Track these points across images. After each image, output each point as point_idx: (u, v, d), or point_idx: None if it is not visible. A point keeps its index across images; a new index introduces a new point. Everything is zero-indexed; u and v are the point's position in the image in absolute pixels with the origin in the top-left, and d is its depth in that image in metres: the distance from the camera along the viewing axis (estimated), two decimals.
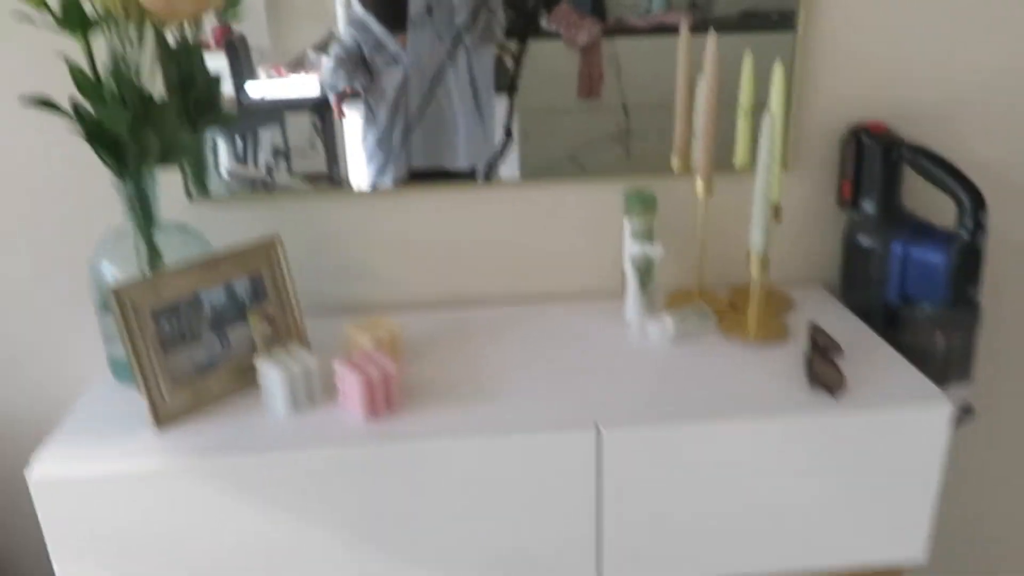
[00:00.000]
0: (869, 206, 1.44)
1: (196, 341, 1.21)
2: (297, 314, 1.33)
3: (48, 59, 1.24)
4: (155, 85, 1.23)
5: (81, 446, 1.15)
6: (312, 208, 1.48)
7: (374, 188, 1.48)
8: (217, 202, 1.46)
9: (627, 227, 1.42)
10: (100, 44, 1.15)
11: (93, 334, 1.50)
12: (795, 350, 1.33)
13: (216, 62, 1.38)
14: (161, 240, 1.26)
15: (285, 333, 1.31)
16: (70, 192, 1.43)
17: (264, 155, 1.47)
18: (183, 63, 1.42)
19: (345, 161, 1.46)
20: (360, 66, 1.40)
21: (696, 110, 1.44)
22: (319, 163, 1.46)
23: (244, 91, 1.41)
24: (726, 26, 1.36)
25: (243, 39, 1.38)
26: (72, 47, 1.15)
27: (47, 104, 1.15)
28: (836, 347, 1.29)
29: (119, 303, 1.12)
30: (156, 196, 1.25)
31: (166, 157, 1.22)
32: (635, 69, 1.43)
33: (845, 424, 1.16)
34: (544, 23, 1.37)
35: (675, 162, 1.51)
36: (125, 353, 1.14)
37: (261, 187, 1.46)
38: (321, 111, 1.44)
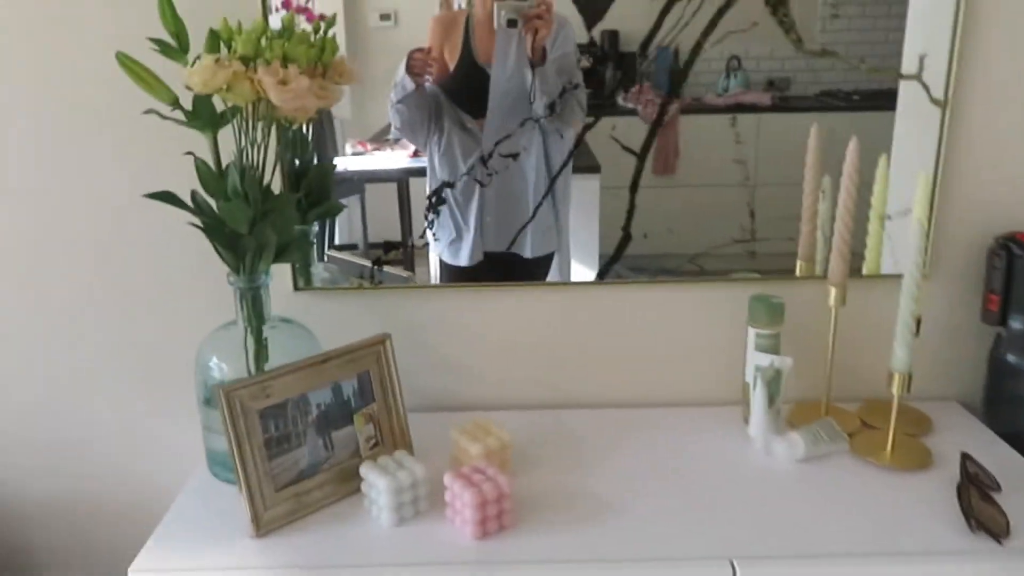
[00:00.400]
0: (1019, 322, 1.33)
1: (301, 444, 1.16)
2: (402, 416, 1.27)
3: (166, 149, 1.24)
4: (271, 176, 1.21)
5: (180, 550, 1.10)
6: (411, 298, 1.45)
7: (446, 266, 1.44)
8: (319, 292, 1.43)
9: (751, 335, 1.33)
10: (224, 136, 1.14)
11: (193, 424, 1.47)
12: (939, 478, 1.21)
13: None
14: (268, 334, 1.23)
15: (390, 436, 1.25)
16: (182, 283, 1.43)
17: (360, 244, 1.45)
18: (299, 153, 1.43)
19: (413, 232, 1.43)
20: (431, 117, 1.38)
21: (817, 209, 1.37)
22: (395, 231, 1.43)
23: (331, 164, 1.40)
24: (803, 106, 1.33)
25: (328, 112, 1.37)
26: (192, 139, 1.14)
27: (170, 199, 1.14)
28: (993, 482, 1.16)
29: (228, 404, 1.08)
30: (268, 293, 1.22)
31: (283, 254, 1.20)
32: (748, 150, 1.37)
33: (1015, 573, 1.03)
34: (621, 100, 1.35)
35: (800, 265, 1.43)
36: (229, 456, 1.09)
37: (362, 275, 1.43)
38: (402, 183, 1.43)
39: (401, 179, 1.42)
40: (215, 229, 1.16)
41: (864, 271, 1.43)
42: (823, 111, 1.33)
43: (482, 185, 1.39)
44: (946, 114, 1.33)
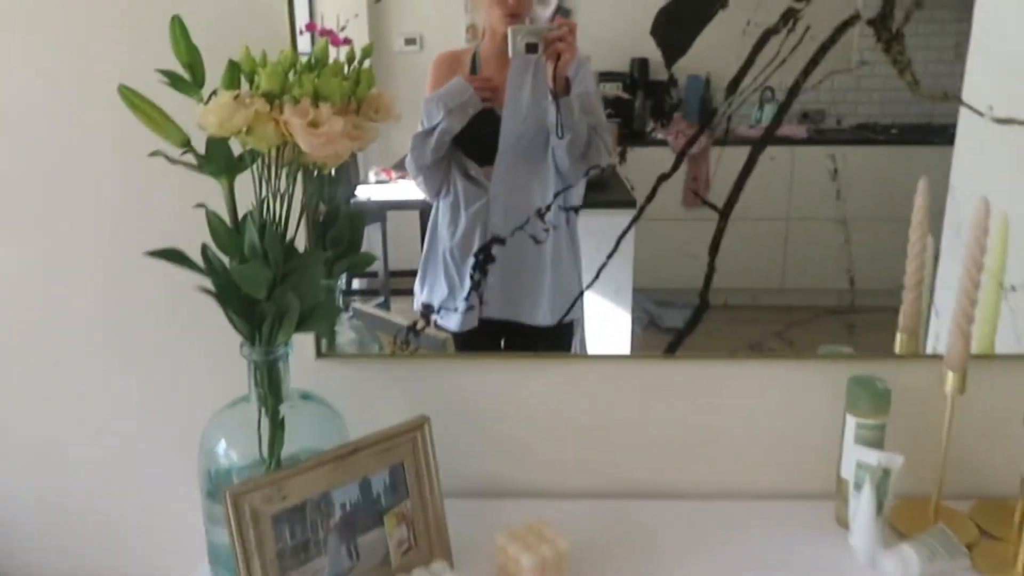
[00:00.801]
0: None
1: (321, 553, 0.97)
2: (441, 513, 1.08)
3: (177, 194, 1.06)
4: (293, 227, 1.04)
5: None
6: (451, 368, 1.26)
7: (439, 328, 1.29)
8: (345, 360, 1.25)
9: (850, 425, 1.14)
10: (242, 184, 0.97)
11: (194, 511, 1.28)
12: None
13: None
14: (287, 413, 1.04)
15: (425, 539, 1.06)
16: (186, 349, 1.26)
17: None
18: (327, 200, 1.26)
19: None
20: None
21: (918, 277, 1.18)
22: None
23: (352, 193, 1.31)
24: (839, 139, 1.23)
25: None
26: (205, 186, 0.96)
27: (176, 257, 0.97)
28: None
29: (235, 510, 0.90)
30: (288, 364, 1.04)
31: (306, 321, 1.02)
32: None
33: None
34: (650, 130, 1.25)
35: (901, 340, 1.23)
36: (235, 571, 0.91)
37: (396, 338, 1.25)
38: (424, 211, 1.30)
39: (424, 207, 1.32)
40: (228, 292, 0.99)
41: (973, 348, 1.23)
42: (860, 144, 1.23)
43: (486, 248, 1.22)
44: None
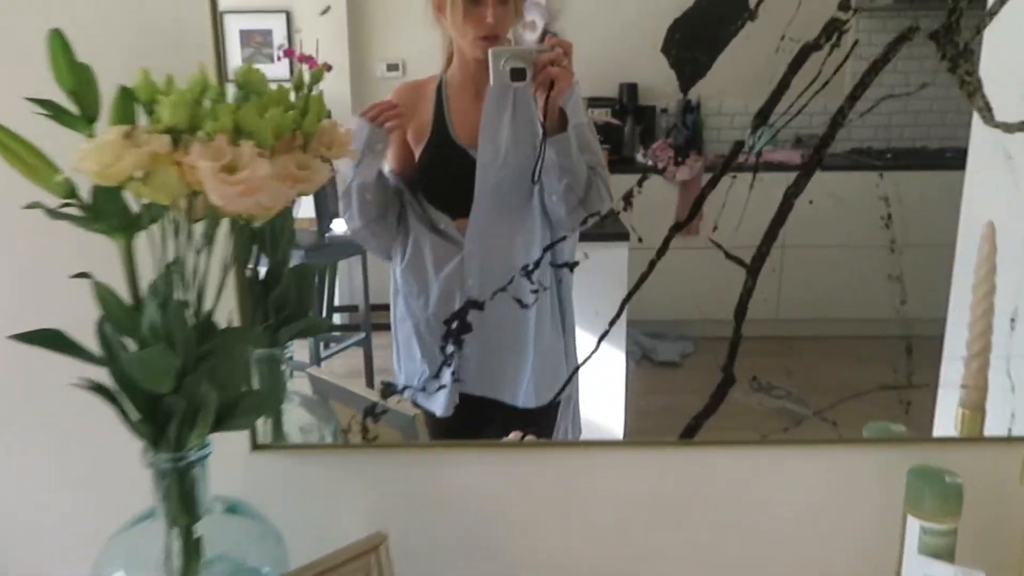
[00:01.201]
0: None
1: None
2: None
3: (64, 255, 0.84)
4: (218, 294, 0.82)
5: None
6: (418, 460, 1.04)
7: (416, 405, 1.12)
8: (288, 452, 1.02)
9: (912, 529, 0.92)
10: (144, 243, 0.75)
11: None
12: None
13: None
14: (205, 528, 0.82)
15: None
16: (82, 457, 1.02)
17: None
18: (268, 252, 1.06)
19: None
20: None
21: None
22: None
23: (328, 225, 1.19)
24: (833, 164, 1.09)
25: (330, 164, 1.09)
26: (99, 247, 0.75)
27: (55, 341, 0.74)
28: None
29: None
30: (205, 474, 0.81)
31: (228, 418, 0.79)
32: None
33: None
34: (640, 157, 1.14)
35: (962, 416, 1.03)
36: None
37: (359, 424, 1.04)
38: None
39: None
40: (128, 384, 0.76)
41: None
42: (855, 170, 1.11)
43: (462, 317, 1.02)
44: None
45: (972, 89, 0.89)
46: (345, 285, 1.27)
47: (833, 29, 0.88)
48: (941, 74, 0.92)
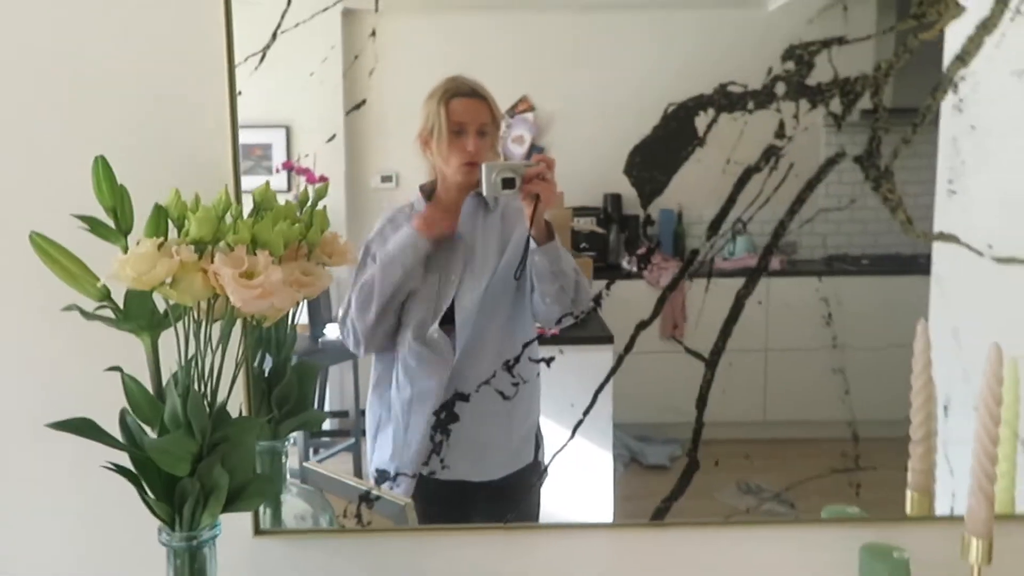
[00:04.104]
0: None
1: None
2: None
3: (94, 349, 0.93)
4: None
5: None
6: (412, 543, 1.10)
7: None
8: (289, 537, 1.09)
9: None
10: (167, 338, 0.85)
11: None
12: None
13: None
14: None
15: None
16: (102, 536, 1.09)
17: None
18: (273, 352, 1.14)
19: None
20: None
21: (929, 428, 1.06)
22: None
23: (321, 331, 1.24)
24: (811, 270, 1.20)
25: None
26: (122, 344, 0.84)
27: (86, 429, 0.83)
28: None
29: None
30: (214, 554, 0.88)
31: (237, 500, 0.87)
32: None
33: None
34: (625, 264, 1.21)
35: (913, 498, 1.11)
36: None
37: (353, 510, 1.10)
38: None
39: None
40: (148, 468, 0.84)
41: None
42: (833, 275, 1.18)
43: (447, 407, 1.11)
44: None
45: (893, 205, 1.03)
46: (336, 391, 1.30)
47: (771, 154, 1.02)
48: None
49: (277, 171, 1.16)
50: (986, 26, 0.99)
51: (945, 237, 1.05)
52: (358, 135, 1.15)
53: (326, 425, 1.33)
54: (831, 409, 1.17)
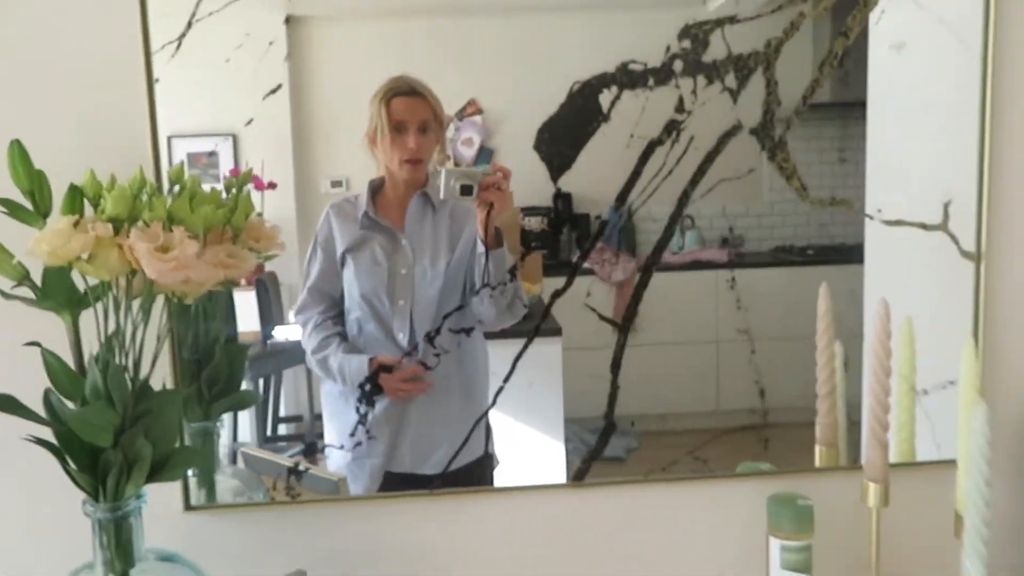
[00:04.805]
0: None
1: None
2: None
3: (17, 327, 0.94)
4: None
5: None
6: (342, 514, 1.14)
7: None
8: (218, 512, 1.11)
9: (774, 548, 1.05)
10: (89, 317, 0.87)
11: None
12: None
13: (245, 300, 1.21)
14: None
15: None
16: (27, 512, 1.10)
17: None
18: (200, 335, 1.16)
19: None
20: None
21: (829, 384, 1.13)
22: None
23: (271, 333, 1.25)
24: (759, 262, 1.26)
25: (274, 277, 1.23)
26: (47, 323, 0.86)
27: (8, 405, 0.85)
28: None
29: None
30: (140, 524, 0.91)
31: (161, 470, 0.90)
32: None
33: None
34: (575, 259, 1.23)
35: (820, 453, 1.17)
36: None
37: (283, 484, 1.13)
38: None
39: None
40: (72, 442, 0.87)
41: (893, 457, 1.17)
42: (779, 266, 1.25)
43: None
44: (981, 268, 1.12)
45: (788, 173, 1.09)
46: (291, 395, 1.31)
47: (672, 127, 1.08)
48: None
49: (224, 178, 1.15)
50: (867, 3, 1.06)
51: (838, 202, 1.11)
52: (306, 141, 1.18)
53: (281, 430, 1.33)
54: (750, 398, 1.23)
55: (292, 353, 1.24)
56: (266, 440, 1.32)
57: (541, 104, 1.14)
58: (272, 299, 1.24)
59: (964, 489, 0.98)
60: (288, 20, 1.12)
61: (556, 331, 1.19)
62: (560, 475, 1.20)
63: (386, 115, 1.12)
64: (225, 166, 1.17)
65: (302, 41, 1.13)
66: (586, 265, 1.22)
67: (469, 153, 1.20)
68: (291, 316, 1.22)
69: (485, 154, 1.20)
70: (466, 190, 1.09)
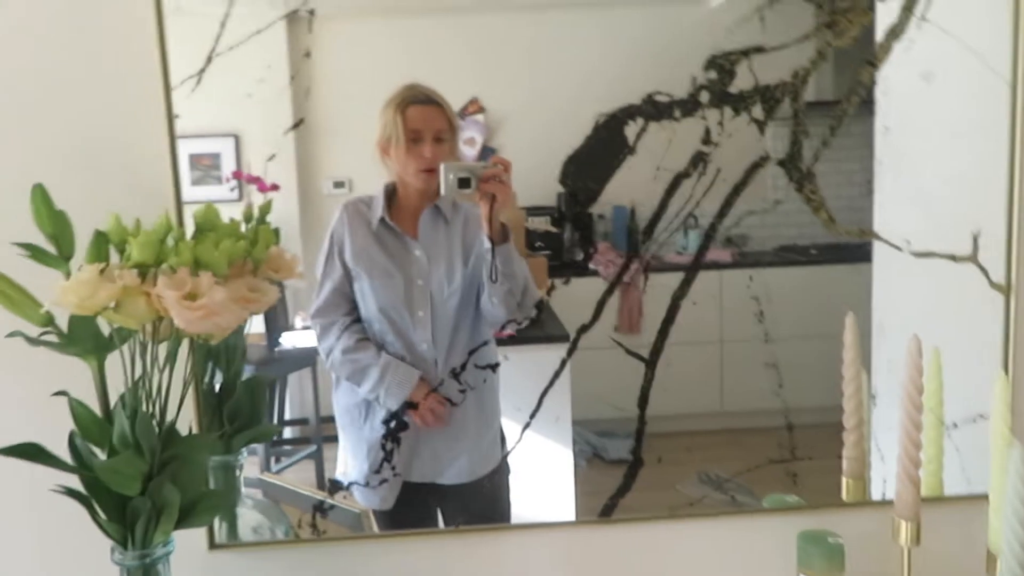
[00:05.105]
0: None
1: None
2: None
3: (42, 373, 0.93)
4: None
5: None
6: (365, 552, 1.13)
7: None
8: (244, 550, 1.10)
9: None
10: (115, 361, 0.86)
11: None
12: None
13: None
14: None
15: None
16: (55, 560, 1.09)
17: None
18: (223, 367, 1.16)
19: None
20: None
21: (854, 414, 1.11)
22: None
23: (277, 340, 1.24)
24: (763, 261, 1.24)
25: (279, 284, 1.15)
26: (68, 366, 0.85)
27: (34, 453, 0.84)
28: None
29: None
30: (168, 570, 0.90)
31: (189, 516, 0.89)
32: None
33: None
34: (578, 259, 1.24)
35: (847, 486, 1.16)
36: None
37: (308, 521, 1.12)
38: None
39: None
40: (99, 489, 0.86)
41: (922, 491, 1.16)
42: (784, 266, 1.24)
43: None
44: (1011, 301, 1.11)
45: (816, 205, 1.08)
46: (296, 398, 1.29)
47: (699, 160, 1.07)
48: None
49: (227, 180, 1.16)
50: (895, 32, 1.05)
51: (866, 233, 1.10)
52: (309, 141, 1.15)
53: (287, 433, 1.33)
54: (772, 399, 1.21)
55: (298, 358, 1.24)
56: (272, 445, 1.31)
57: (543, 103, 1.13)
58: (279, 307, 1.21)
59: (997, 528, 0.97)
60: (290, 18, 1.09)
61: (563, 337, 1.17)
62: (568, 480, 1.20)
63: (401, 124, 1.11)
64: (227, 167, 1.16)
65: (302, 39, 1.11)
66: (591, 266, 1.22)
67: (471, 153, 1.19)
68: (298, 319, 1.22)
69: (487, 153, 1.18)
70: (464, 183, 1.08)
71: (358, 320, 1.16)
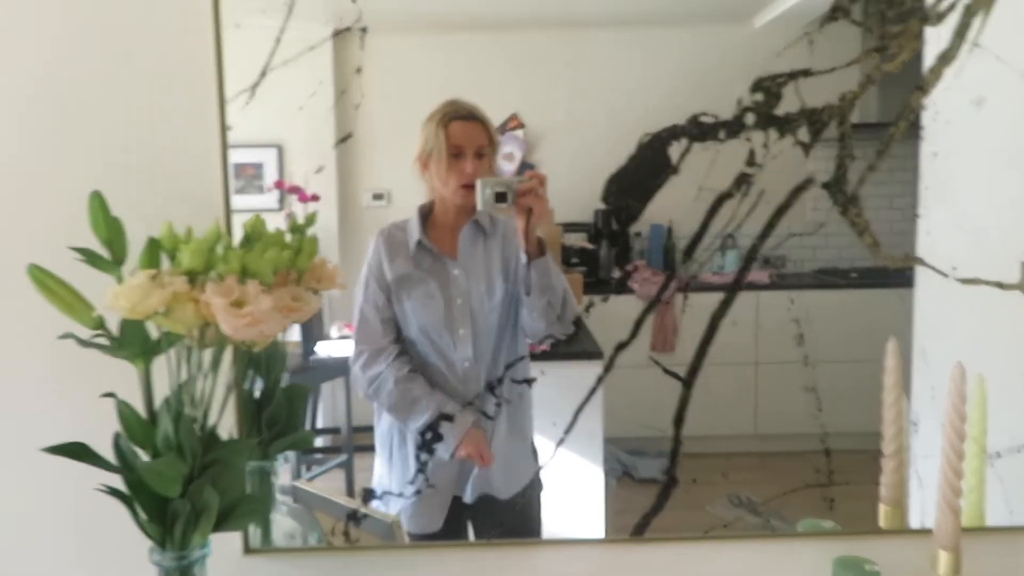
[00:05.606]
0: None
1: None
2: None
3: (90, 374, 0.95)
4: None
5: None
6: (399, 559, 1.13)
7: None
8: (278, 555, 1.11)
9: None
10: (160, 366, 0.88)
11: None
12: None
13: None
14: None
15: None
16: (92, 562, 1.11)
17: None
18: (264, 374, 1.17)
19: None
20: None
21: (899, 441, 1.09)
22: None
23: (312, 349, 1.26)
24: (801, 283, 1.23)
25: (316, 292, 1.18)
26: (115, 368, 0.87)
27: (80, 452, 0.86)
28: None
29: None
30: (205, 570, 0.91)
31: (227, 520, 0.90)
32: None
33: None
34: (616, 276, 1.24)
35: (885, 512, 1.14)
36: None
37: (342, 529, 1.13)
38: None
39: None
40: (141, 490, 0.87)
41: (963, 521, 1.14)
42: (823, 288, 1.22)
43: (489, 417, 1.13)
44: None
45: (860, 229, 1.07)
46: (328, 408, 1.30)
47: (742, 181, 1.06)
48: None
49: (269, 190, 1.18)
50: (945, 58, 1.04)
51: (911, 259, 1.09)
52: (350, 153, 1.17)
53: (318, 442, 1.34)
54: (810, 422, 1.20)
55: (332, 367, 1.25)
56: (304, 453, 1.32)
57: (583, 120, 1.13)
58: (314, 316, 1.23)
59: None
60: (340, 35, 1.10)
61: (597, 354, 1.17)
62: (599, 497, 1.19)
63: (444, 139, 1.11)
64: (270, 177, 1.18)
65: (348, 54, 1.12)
66: (625, 282, 1.22)
67: (510, 168, 1.20)
68: (334, 329, 1.23)
69: (525, 169, 1.19)
70: (501, 197, 1.08)
71: (405, 351, 1.17)
